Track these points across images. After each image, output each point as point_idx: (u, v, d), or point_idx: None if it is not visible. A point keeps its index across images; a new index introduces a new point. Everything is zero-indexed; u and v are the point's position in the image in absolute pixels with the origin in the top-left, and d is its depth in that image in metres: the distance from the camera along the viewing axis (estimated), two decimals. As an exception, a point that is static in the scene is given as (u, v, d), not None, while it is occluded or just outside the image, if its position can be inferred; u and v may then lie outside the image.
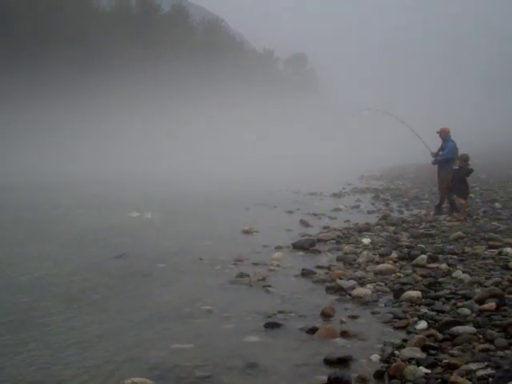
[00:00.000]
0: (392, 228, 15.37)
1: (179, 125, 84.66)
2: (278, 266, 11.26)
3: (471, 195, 17.74)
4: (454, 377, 5.48)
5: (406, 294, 8.55)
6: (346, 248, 12.69)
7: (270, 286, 9.61)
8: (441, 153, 17.65)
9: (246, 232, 15.67)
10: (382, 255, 11.64)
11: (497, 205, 18.76)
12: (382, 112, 21.89)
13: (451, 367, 5.80)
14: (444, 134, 17.72)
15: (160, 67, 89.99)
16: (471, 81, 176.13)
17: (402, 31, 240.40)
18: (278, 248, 13.14)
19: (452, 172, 17.21)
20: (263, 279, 10.09)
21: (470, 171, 16.75)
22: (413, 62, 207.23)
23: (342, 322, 7.64)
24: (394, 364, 5.92)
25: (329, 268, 10.91)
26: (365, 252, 11.82)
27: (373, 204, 23.07)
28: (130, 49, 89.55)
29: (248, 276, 10.24)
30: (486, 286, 8.65)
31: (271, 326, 7.53)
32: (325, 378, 5.76)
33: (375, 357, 6.32)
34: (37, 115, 69.32)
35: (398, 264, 10.91)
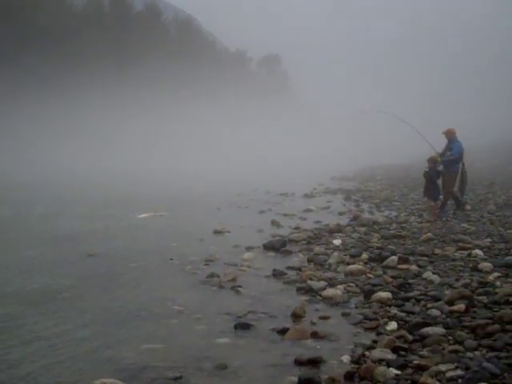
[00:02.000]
0: (363, 229, 15.39)
1: (152, 126, 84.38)
2: (248, 266, 11.25)
3: (441, 197, 17.82)
4: (424, 378, 5.50)
5: (376, 295, 8.58)
6: (317, 249, 12.69)
7: (240, 287, 9.60)
8: (448, 153, 17.70)
9: (218, 232, 15.63)
10: (352, 256, 11.66)
11: (467, 207, 18.88)
12: (391, 115, 21.72)
13: (421, 368, 5.82)
14: (450, 135, 17.78)
15: (132, 67, 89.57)
16: (470, 80, 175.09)
17: (399, 32, 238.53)
18: (249, 248, 13.12)
19: (457, 172, 17.53)
20: (234, 280, 10.06)
21: (440, 173, 16.87)
22: (409, 62, 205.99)
23: (312, 323, 7.64)
24: (364, 365, 5.93)
25: (299, 269, 10.91)
26: (335, 253, 11.84)
27: (344, 205, 23.13)
28: (103, 48, 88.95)
29: (218, 276, 10.21)
30: (455, 288, 8.72)
31: (241, 326, 7.51)
32: (295, 379, 5.75)
33: (346, 358, 6.32)
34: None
35: (368, 265, 10.95)
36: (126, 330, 7.50)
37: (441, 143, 18.06)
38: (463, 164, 17.69)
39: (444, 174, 17.68)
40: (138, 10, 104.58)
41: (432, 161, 16.79)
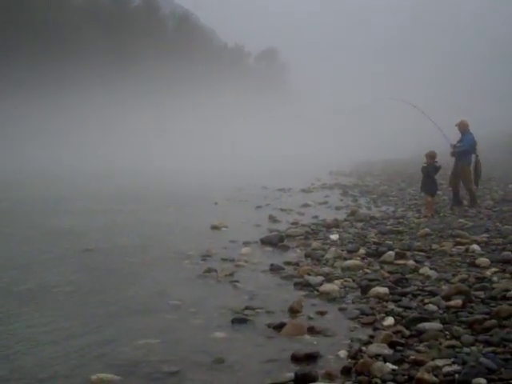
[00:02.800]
0: (360, 224, 15.41)
1: (151, 123, 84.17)
2: (246, 261, 11.24)
3: (439, 192, 17.87)
4: (421, 373, 5.49)
5: (373, 290, 8.58)
6: (314, 244, 12.69)
7: (237, 282, 9.60)
8: (459, 145, 17.92)
9: (215, 227, 15.62)
10: (349, 251, 11.66)
11: (464, 202, 18.88)
12: (406, 103, 21.83)
13: (418, 363, 5.82)
14: (463, 127, 18.15)
15: (131, 65, 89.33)
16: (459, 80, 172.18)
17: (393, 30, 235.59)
18: (247, 243, 13.11)
19: (470, 163, 17.87)
20: (231, 274, 10.08)
21: (438, 168, 16.88)
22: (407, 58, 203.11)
23: (309, 318, 7.64)
24: (361, 360, 5.93)
25: (297, 264, 10.91)
26: (333, 248, 11.85)
27: (341, 200, 23.12)
28: (102, 45, 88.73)
29: (216, 271, 10.21)
30: (452, 283, 8.73)
31: (238, 321, 7.51)
32: (292, 374, 5.73)
33: (342, 353, 6.31)
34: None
35: (365, 260, 10.96)
36: (123, 324, 7.49)
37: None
38: (477, 156, 17.94)
39: (456, 166, 18.12)
40: (136, 4, 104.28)
41: (430, 156, 16.78)
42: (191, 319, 7.71)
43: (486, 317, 6.97)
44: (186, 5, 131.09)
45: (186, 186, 29.72)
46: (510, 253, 10.69)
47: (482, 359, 5.69)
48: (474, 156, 18.01)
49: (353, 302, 8.38)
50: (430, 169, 16.72)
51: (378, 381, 5.53)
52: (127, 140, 75.07)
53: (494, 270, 9.56)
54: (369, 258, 11.13)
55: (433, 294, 8.24)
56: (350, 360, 6.13)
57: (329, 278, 9.64)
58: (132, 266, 10.95)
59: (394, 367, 5.79)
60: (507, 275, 9.19)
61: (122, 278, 10.08)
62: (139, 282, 9.82)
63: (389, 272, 9.81)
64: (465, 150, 17.83)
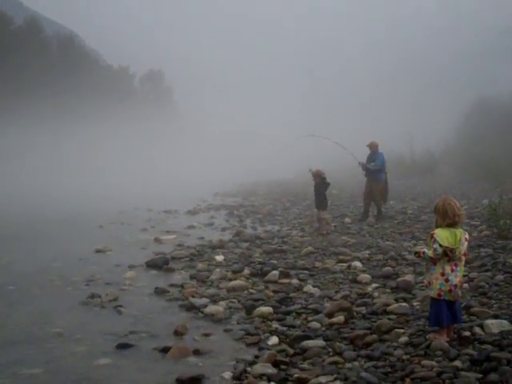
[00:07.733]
0: (245, 244, 15.52)
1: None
2: (130, 285, 11.15)
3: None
4: (305, 391, 5.58)
5: (257, 310, 8.66)
6: (200, 265, 12.70)
7: (122, 306, 9.48)
8: (372, 164, 19.05)
9: (99, 251, 15.37)
10: (234, 272, 11.72)
11: (347, 220, 19.33)
12: (322, 138, 21.79)
13: (301, 381, 5.91)
14: (374, 147, 19.30)
15: (9, 83, 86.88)
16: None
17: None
18: (131, 267, 12.97)
19: (383, 180, 19.08)
20: (115, 299, 9.95)
21: (328, 185, 17.21)
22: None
23: (194, 341, 7.64)
24: (246, 381, 5.98)
25: (182, 286, 10.89)
26: (218, 269, 11.88)
27: (227, 221, 23.16)
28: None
29: (100, 297, 10.05)
30: (335, 300, 8.93)
31: (123, 347, 7.43)
32: (177, 397, 5.72)
33: (227, 374, 6.34)
34: None
35: (250, 280, 11.05)
36: (3, 356, 7.26)
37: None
38: (386, 173, 19.30)
39: (371, 183, 19.15)
40: (17, 25, 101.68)
41: (318, 175, 17.06)
42: (75, 346, 7.56)
43: (367, 332, 7.16)
44: (74, 27, 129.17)
45: (73, 210, 29.12)
46: (390, 268, 11.06)
47: (363, 374, 5.84)
48: (384, 174, 19.25)
49: (238, 323, 8.43)
50: (322, 186, 17.04)
51: (263, 400, 5.58)
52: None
53: (374, 285, 9.87)
54: (253, 278, 11.23)
55: (316, 311, 8.40)
56: (235, 381, 6.17)
57: (214, 300, 9.67)
58: (13, 294, 10.63)
59: (279, 386, 5.85)
60: (387, 290, 9.50)
61: (1, 306, 9.78)
62: (20, 310, 9.55)
63: (273, 291, 9.93)
64: (379, 168, 19.00)
